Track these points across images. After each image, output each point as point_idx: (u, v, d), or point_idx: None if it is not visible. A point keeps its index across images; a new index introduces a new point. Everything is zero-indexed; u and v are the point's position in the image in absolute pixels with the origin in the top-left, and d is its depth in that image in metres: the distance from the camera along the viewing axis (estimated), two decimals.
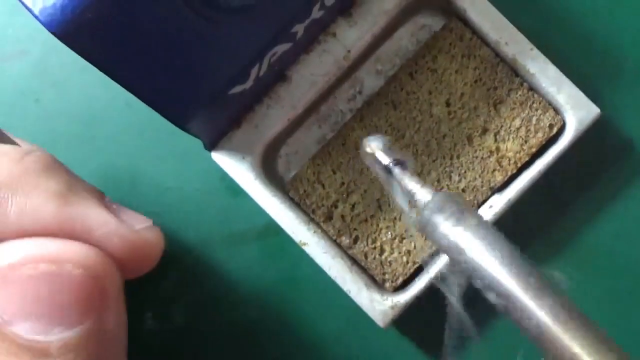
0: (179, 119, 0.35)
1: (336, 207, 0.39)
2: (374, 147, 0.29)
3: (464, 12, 0.39)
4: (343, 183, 0.39)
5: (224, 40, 0.33)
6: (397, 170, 0.28)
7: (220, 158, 0.39)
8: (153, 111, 0.34)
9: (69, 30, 0.28)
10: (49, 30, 0.28)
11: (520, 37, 0.39)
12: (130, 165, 0.43)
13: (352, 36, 0.39)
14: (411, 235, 0.39)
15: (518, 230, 0.40)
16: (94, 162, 0.43)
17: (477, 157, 0.39)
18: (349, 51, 0.39)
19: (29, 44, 0.43)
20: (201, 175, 0.42)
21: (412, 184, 0.28)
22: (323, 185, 0.39)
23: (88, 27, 0.29)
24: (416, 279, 0.39)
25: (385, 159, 0.29)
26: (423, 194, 0.28)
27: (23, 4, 0.28)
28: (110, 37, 0.30)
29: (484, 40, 0.39)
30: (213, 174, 0.42)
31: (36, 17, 0.28)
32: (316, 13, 0.37)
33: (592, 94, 0.39)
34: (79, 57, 0.30)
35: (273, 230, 0.41)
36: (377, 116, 0.39)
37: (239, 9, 0.33)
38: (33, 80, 0.43)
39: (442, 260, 0.38)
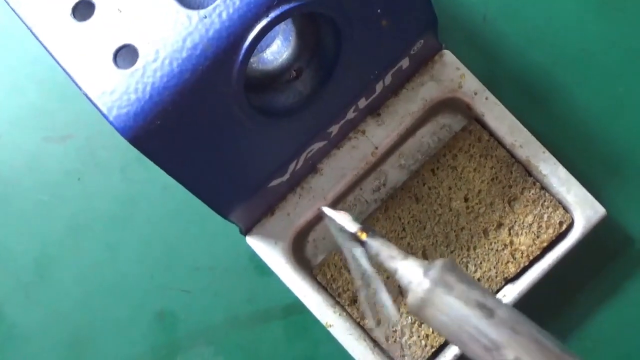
0: (224, 210, 0.38)
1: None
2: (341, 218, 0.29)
3: (482, 116, 0.42)
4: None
5: (270, 141, 0.37)
6: (372, 242, 0.29)
7: (254, 243, 0.42)
8: (188, 195, 0.36)
9: (140, 134, 0.31)
10: (122, 136, 0.31)
11: (533, 140, 0.42)
12: (165, 244, 0.46)
13: (380, 134, 0.42)
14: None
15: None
16: (131, 240, 0.46)
17: (492, 249, 0.42)
18: (376, 148, 0.42)
19: (76, 128, 0.46)
20: (231, 256, 0.45)
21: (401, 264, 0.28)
22: (349, 271, 0.42)
23: (155, 133, 0.32)
24: None
25: (353, 228, 0.29)
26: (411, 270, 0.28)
27: (99, 110, 0.31)
28: (172, 141, 0.33)
29: (500, 142, 0.43)
30: (242, 254, 0.45)
31: (111, 123, 0.31)
32: (350, 114, 0.40)
33: (597, 194, 0.42)
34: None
35: (297, 309, 0.44)
36: (400, 208, 0.43)
37: (284, 113, 0.36)
38: (77, 161, 0.46)
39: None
